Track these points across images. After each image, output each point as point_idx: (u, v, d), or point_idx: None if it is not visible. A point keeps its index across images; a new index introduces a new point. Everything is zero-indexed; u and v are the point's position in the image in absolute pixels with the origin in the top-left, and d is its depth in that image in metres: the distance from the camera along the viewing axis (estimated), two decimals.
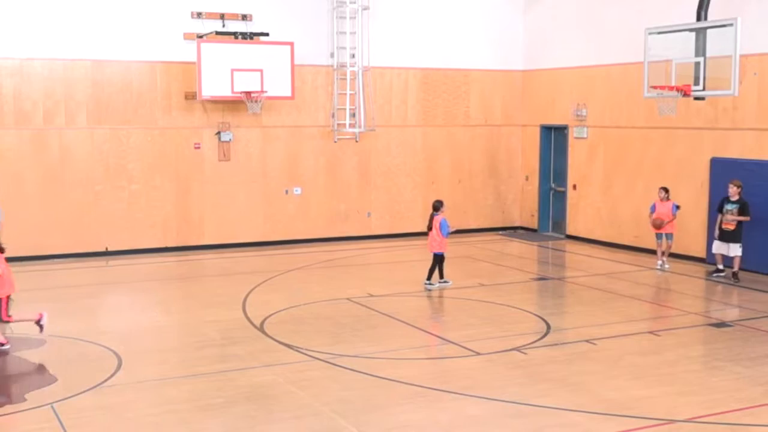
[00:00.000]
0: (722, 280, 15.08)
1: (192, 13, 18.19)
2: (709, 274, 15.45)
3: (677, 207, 16.24)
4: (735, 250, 14.96)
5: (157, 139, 18.16)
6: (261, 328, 11.91)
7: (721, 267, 15.28)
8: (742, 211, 14.80)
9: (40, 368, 10.10)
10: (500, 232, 21.43)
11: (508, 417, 8.57)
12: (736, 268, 15.06)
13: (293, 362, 10.36)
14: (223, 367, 10.17)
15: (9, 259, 16.85)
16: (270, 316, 12.59)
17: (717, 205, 15.33)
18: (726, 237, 14.99)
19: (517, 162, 21.83)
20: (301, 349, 10.89)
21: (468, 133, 21.18)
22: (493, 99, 21.41)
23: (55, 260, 17.27)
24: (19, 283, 15.38)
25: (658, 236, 16.46)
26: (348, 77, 19.45)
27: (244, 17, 18.61)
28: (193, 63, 17.75)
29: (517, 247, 19.78)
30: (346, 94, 19.45)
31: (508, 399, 9.02)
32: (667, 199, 16.17)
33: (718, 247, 15.17)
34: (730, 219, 14.84)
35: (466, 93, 21.06)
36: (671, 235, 16.35)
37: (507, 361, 10.44)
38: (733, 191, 14.87)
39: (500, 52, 21.34)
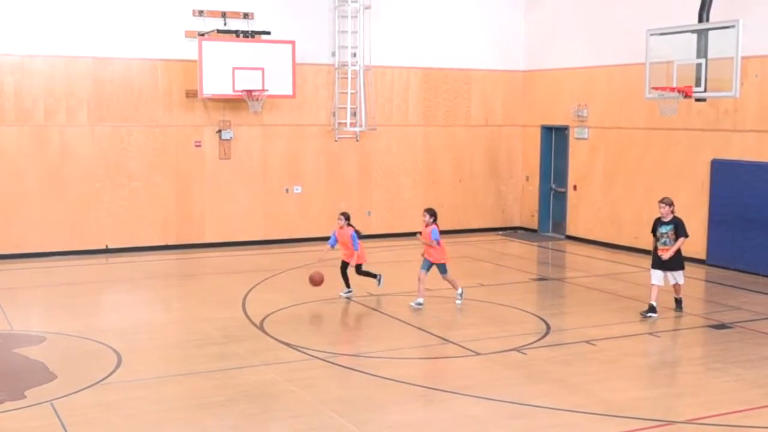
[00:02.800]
0: (654, 316, 12.58)
1: (193, 11, 18.18)
2: (642, 314, 12.68)
3: (437, 234, 13.26)
4: (679, 277, 12.81)
5: (158, 137, 18.16)
6: (261, 327, 11.92)
7: (654, 304, 12.63)
8: (677, 232, 12.65)
9: (40, 365, 10.08)
10: (500, 233, 21.43)
11: (507, 417, 8.58)
12: (679, 295, 13.03)
13: (293, 361, 10.37)
14: (222, 366, 10.17)
15: (10, 257, 16.94)
16: (270, 314, 12.59)
17: (651, 227, 13.06)
18: (666, 265, 12.68)
19: (518, 162, 21.83)
20: (301, 347, 10.89)
21: (469, 133, 21.18)
22: (494, 99, 21.41)
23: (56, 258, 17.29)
24: (20, 281, 15.45)
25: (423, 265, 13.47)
26: (349, 76, 19.45)
27: (246, 15, 18.61)
28: (195, 61, 17.75)
29: (517, 247, 19.79)
30: (347, 93, 19.45)
31: (508, 399, 9.02)
32: (433, 223, 13.31)
33: (658, 278, 12.71)
34: (666, 244, 12.63)
35: (467, 93, 21.06)
36: (443, 265, 13.30)
37: (506, 361, 10.45)
38: (665, 211, 12.71)
39: (501, 52, 21.34)
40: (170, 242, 18.36)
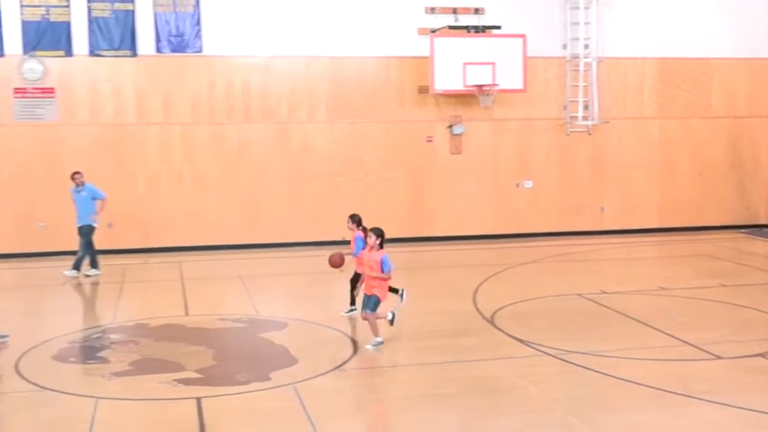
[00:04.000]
0: None
1: (426, 9, 18.51)
2: None
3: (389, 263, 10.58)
4: None
5: (391, 133, 18.66)
6: (491, 321, 11.95)
7: None
8: None
9: (283, 350, 10.66)
10: (743, 230, 20.24)
11: (750, 426, 8.11)
12: None
13: (523, 356, 10.32)
14: (453, 358, 10.29)
15: (256, 246, 17.98)
16: (500, 309, 12.60)
17: None
18: None
19: (764, 155, 20.51)
20: (532, 343, 10.81)
21: (709, 125, 20.16)
22: (737, 89, 20.24)
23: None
24: (265, 269, 16.41)
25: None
26: (581, 68, 19.09)
27: (477, 11, 18.71)
28: (426, 57, 18.07)
29: (762, 246, 18.60)
30: (578, 85, 19.09)
31: (751, 407, 8.51)
32: (380, 246, 10.57)
33: None
34: None
35: (706, 83, 20.05)
36: (374, 300, 10.64)
37: (750, 366, 9.86)
38: None
39: (744, 39, 20.12)
40: (403, 235, 18.76)
